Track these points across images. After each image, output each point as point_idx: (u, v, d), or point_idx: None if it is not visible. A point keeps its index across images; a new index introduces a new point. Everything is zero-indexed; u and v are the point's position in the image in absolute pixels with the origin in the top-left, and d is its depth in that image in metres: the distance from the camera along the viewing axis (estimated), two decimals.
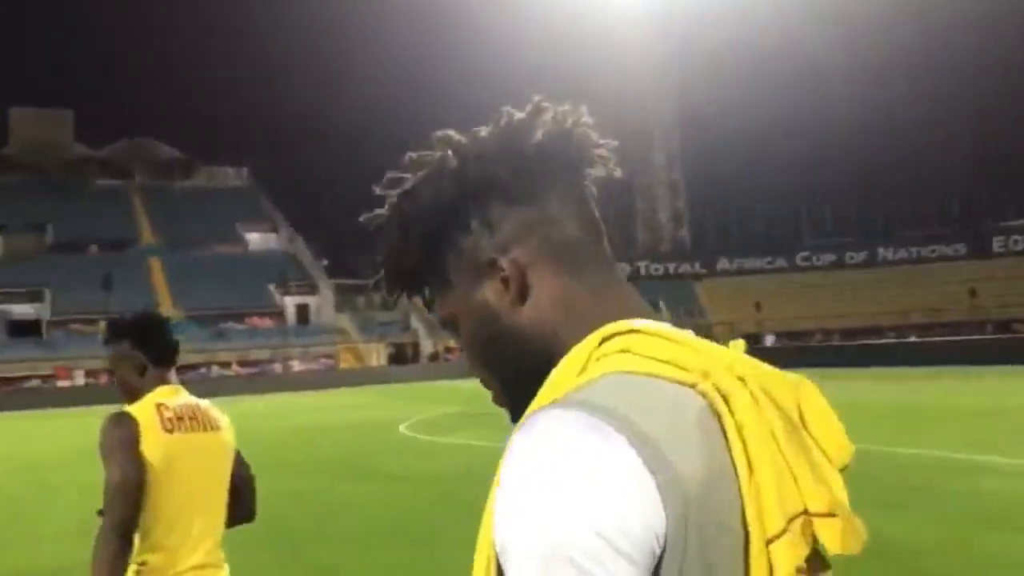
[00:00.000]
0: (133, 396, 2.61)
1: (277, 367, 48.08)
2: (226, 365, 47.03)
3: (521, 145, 0.87)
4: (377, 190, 0.94)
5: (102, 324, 47.93)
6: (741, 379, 0.78)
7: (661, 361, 0.78)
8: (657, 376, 0.77)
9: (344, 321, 57.50)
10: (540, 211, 0.87)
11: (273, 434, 18.38)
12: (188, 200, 68.06)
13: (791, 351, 42.13)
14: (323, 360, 50.70)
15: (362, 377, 46.73)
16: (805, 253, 66.47)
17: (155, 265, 57.66)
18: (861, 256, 65.09)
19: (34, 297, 51.98)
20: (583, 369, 0.79)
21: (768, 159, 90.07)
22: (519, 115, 0.89)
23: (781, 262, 66.25)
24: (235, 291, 54.74)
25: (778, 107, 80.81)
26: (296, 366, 48.57)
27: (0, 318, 51.10)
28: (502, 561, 0.71)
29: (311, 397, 34.79)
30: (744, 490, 0.73)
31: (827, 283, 62.89)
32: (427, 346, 57.23)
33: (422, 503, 9.17)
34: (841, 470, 0.79)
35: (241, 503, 2.75)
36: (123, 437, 2.42)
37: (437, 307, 0.93)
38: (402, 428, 18.04)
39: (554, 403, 0.74)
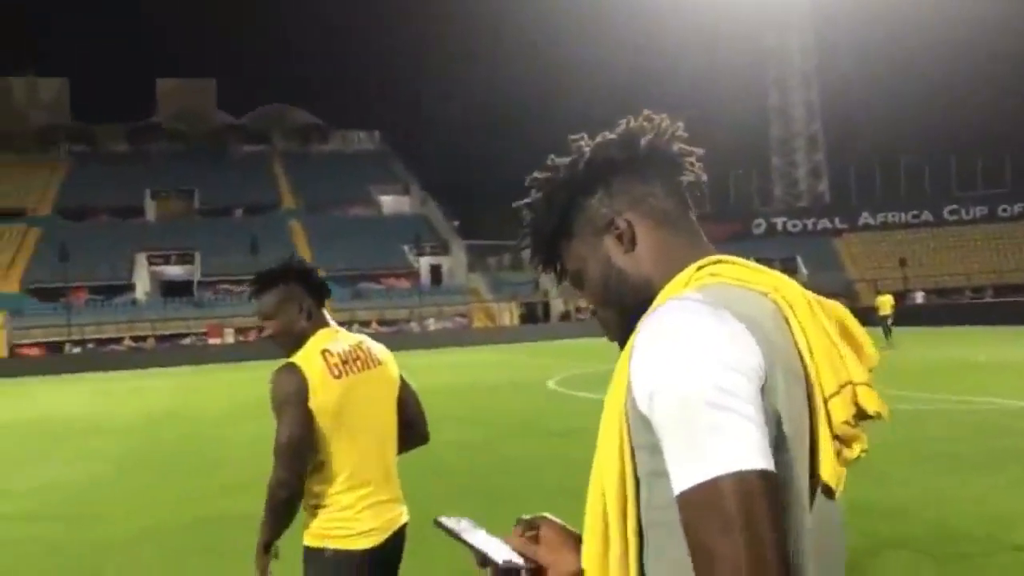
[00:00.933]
0: (298, 342, 2.63)
1: (414, 326, 49.13)
2: (366, 324, 48.36)
3: (635, 141, 1.18)
4: (532, 176, 1.26)
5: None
6: (802, 294, 1.07)
7: (740, 279, 1.07)
8: (736, 285, 1.06)
9: (476, 281, 58.12)
10: (647, 188, 1.18)
11: (432, 390, 18.68)
12: (324, 164, 69.91)
13: (940, 308, 40.11)
14: (457, 319, 51.46)
15: (495, 336, 47.28)
16: (953, 206, 63.03)
17: (296, 228, 59.60)
18: (1016, 208, 61.28)
19: (185, 259, 54.64)
20: (686, 285, 1.08)
21: (912, 109, 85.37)
22: (636, 121, 1.21)
23: (927, 216, 63.02)
24: (371, 252, 56.07)
25: (922, 55, 76.30)
26: (432, 325, 49.50)
27: (155, 279, 54.11)
28: (649, 410, 0.95)
29: (450, 355, 35.35)
30: (807, 364, 1.01)
31: (978, 237, 59.52)
32: (557, 305, 57.30)
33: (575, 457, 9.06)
34: (871, 369, 1.07)
35: (414, 428, 2.87)
36: (292, 392, 2.46)
37: (567, 262, 1.22)
38: (551, 384, 18.03)
39: (669, 299, 1.03)
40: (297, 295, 2.65)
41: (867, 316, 25.23)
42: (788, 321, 1.03)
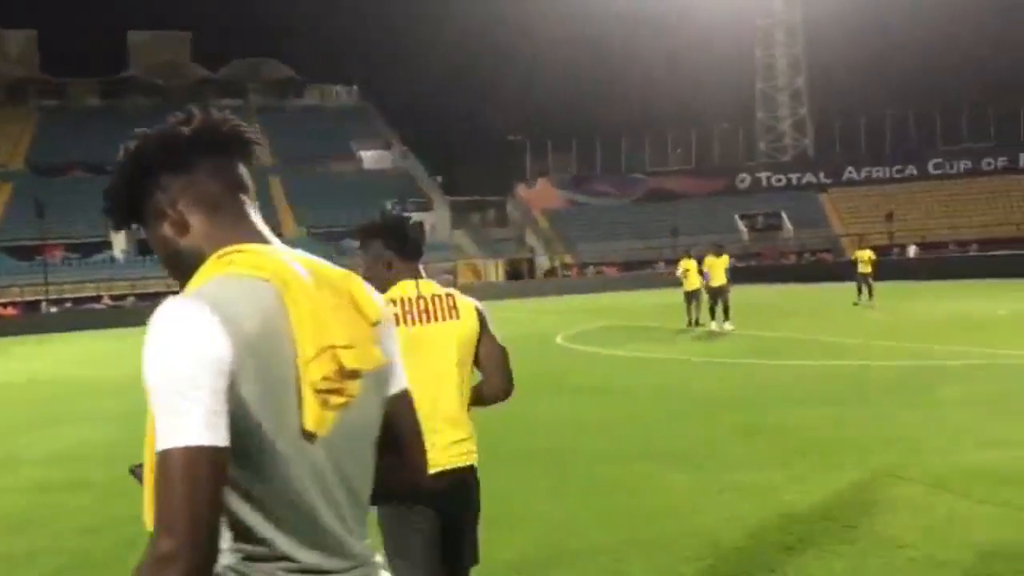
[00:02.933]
0: (382, 292, 2.70)
1: None
2: None
3: (175, 137, 1.36)
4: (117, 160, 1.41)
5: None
6: (309, 270, 1.31)
7: (249, 267, 1.27)
8: (243, 276, 1.26)
9: (461, 238, 57.56)
10: (192, 178, 1.36)
11: None
12: (302, 119, 68.64)
13: (931, 262, 40.01)
14: (443, 276, 50.83)
15: (482, 292, 46.34)
16: (938, 160, 62.96)
17: (275, 184, 58.52)
18: (1000, 162, 61.30)
19: None
20: (203, 274, 1.29)
21: (897, 63, 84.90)
22: (175, 120, 1.39)
23: (912, 170, 62.93)
24: (353, 209, 55.20)
25: (907, 8, 75.61)
26: None
27: (131, 237, 52.47)
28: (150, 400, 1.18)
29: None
30: (296, 338, 1.23)
31: (963, 192, 59.53)
32: (542, 262, 56.92)
33: (647, 417, 8.65)
34: (376, 323, 1.35)
35: (494, 381, 3.00)
36: None
37: (148, 239, 1.42)
38: (559, 340, 17.60)
39: (168, 299, 1.22)
40: (381, 252, 2.91)
41: (849, 271, 24.68)
42: (284, 300, 1.24)
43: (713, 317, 17.86)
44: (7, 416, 11.60)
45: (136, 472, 1.39)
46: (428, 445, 2.31)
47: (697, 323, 18.62)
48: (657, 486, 5.97)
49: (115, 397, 12.71)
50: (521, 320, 26.03)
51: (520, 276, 54.91)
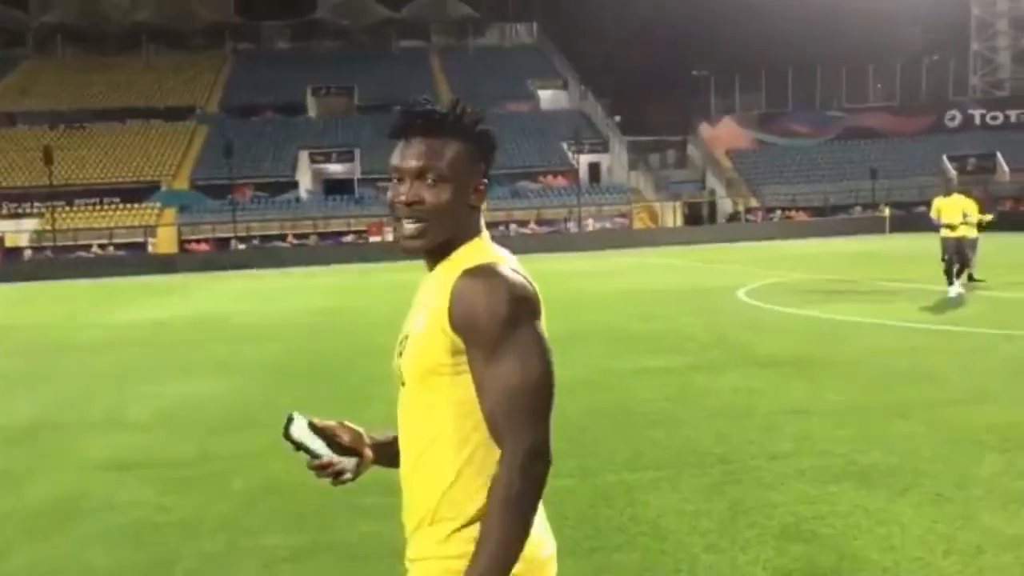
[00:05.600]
0: (456, 236, 1.79)
1: (571, 226, 47.39)
2: (523, 223, 47.00)
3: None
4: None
5: None
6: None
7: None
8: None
9: (638, 180, 55.58)
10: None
11: (603, 298, 16.89)
12: (481, 59, 68.08)
13: None
14: (617, 220, 49.27)
15: (658, 237, 44.99)
16: None
17: None
18: None
19: (345, 156, 54.52)
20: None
21: None
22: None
23: None
24: (529, 150, 54.36)
25: None
26: (590, 225, 47.58)
27: (317, 176, 54.37)
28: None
29: (613, 258, 33.43)
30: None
31: None
32: (725, 205, 54.14)
33: (869, 405, 7.01)
34: None
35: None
36: (535, 305, 1.56)
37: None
38: (742, 295, 15.82)
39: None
40: (475, 159, 1.64)
41: None
42: None
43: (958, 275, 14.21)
44: (124, 363, 11.16)
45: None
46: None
47: (971, 278, 15.29)
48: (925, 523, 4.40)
49: (255, 343, 12.17)
50: (698, 270, 24.23)
51: (699, 221, 52.53)
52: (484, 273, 1.52)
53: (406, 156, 1.60)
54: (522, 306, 1.51)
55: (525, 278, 1.56)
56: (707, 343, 10.41)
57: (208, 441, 6.65)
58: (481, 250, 1.60)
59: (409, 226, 1.59)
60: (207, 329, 14.88)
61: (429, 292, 1.60)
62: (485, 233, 1.66)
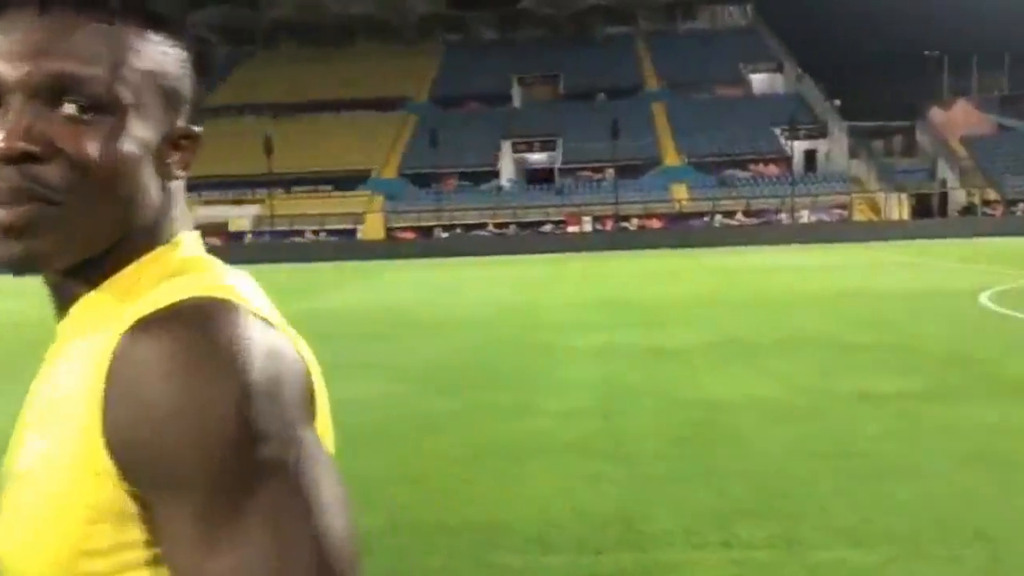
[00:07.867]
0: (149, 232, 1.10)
1: (784, 217, 44.62)
2: (730, 215, 44.69)
3: None
4: None
5: (609, 172, 49.56)
6: None
7: None
8: None
9: (858, 168, 51.59)
10: None
11: (818, 298, 15.11)
12: (690, 42, 65.92)
13: None
14: (834, 211, 45.89)
15: (881, 231, 41.58)
16: None
17: (658, 111, 56.72)
18: None
19: (547, 146, 54.16)
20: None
21: None
22: None
23: None
24: (738, 136, 51.81)
25: None
26: (805, 217, 44.56)
27: (519, 166, 54.33)
28: None
29: (829, 252, 30.85)
30: None
31: None
32: (957, 197, 49.24)
33: None
34: None
35: None
36: (298, 396, 0.80)
37: None
38: (984, 301, 13.59)
39: None
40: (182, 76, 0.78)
41: None
42: None
43: None
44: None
45: None
46: None
47: None
48: None
49: (428, 340, 11.46)
50: (930, 269, 21.61)
51: (929, 214, 48.05)
52: (190, 329, 0.68)
53: (16, 47, 0.69)
54: (278, 407, 0.67)
55: (278, 331, 0.72)
56: (945, 360, 8.66)
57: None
58: (185, 269, 0.76)
59: (6, 213, 0.68)
60: (383, 322, 14.44)
61: (59, 374, 0.75)
62: (192, 235, 0.81)
